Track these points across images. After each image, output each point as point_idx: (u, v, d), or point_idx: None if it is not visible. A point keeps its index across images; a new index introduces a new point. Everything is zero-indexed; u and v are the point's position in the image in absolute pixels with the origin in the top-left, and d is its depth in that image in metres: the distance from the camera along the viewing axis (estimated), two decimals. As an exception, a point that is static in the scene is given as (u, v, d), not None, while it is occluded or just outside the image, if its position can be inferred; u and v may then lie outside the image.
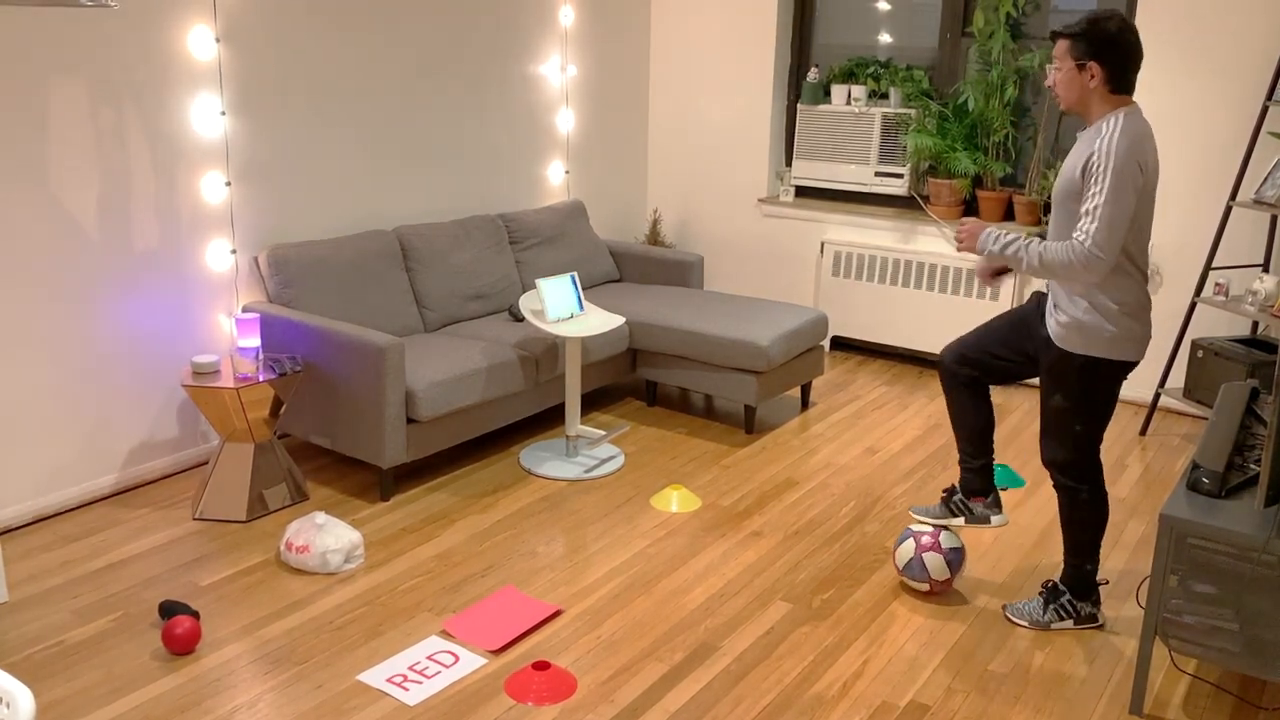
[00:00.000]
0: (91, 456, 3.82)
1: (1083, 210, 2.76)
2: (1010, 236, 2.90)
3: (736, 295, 5.17)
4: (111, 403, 3.85)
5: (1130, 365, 2.96)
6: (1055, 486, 3.10)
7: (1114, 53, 2.80)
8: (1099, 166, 2.74)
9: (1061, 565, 3.21)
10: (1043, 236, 3.03)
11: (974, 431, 3.26)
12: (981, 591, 3.38)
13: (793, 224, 5.95)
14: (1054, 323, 2.96)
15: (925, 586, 3.29)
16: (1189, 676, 2.94)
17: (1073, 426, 2.99)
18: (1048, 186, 5.17)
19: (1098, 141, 2.78)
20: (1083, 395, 2.96)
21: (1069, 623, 3.16)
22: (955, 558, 3.26)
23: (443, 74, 4.88)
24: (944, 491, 3.39)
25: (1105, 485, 3.09)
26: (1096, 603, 3.18)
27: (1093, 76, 2.82)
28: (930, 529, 3.30)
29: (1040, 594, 3.20)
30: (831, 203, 5.84)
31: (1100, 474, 3.07)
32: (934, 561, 3.25)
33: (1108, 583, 3.39)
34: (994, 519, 3.34)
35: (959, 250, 2.96)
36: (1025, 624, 3.17)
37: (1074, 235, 2.77)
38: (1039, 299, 3.13)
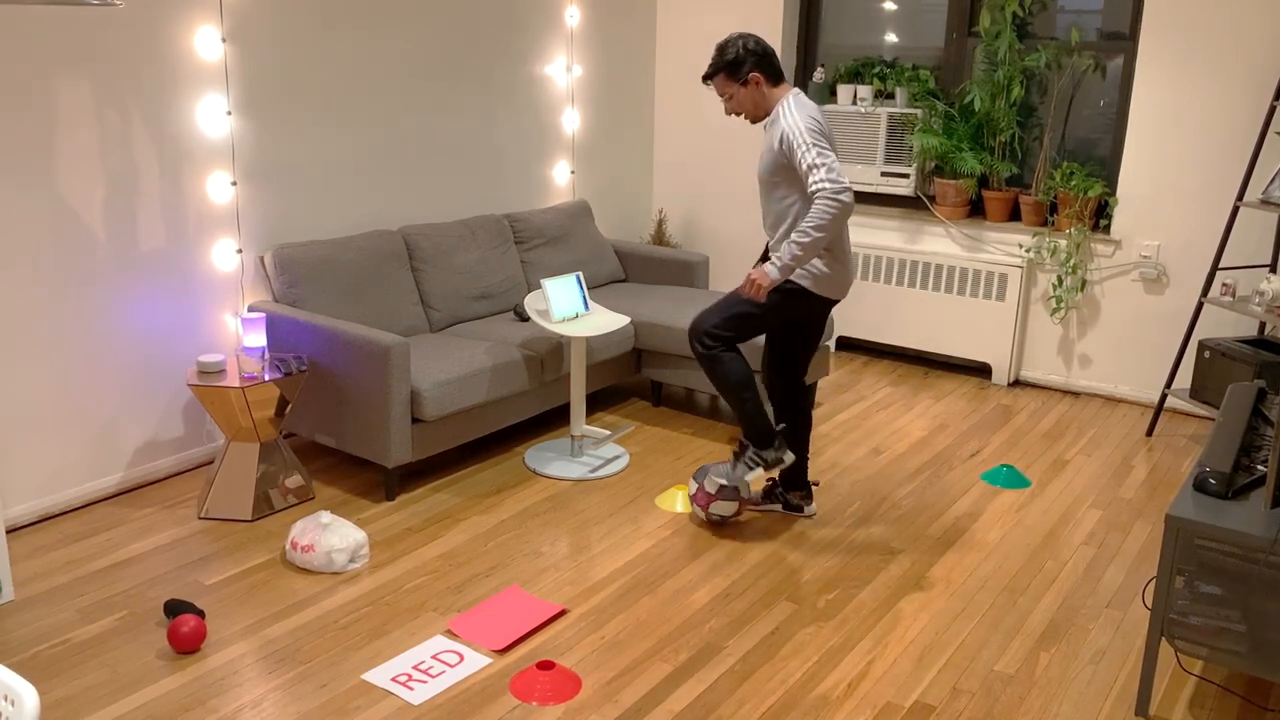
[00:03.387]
0: (97, 455, 3.83)
1: (803, 173, 3.25)
2: (781, 254, 3.29)
3: (742, 295, 5.16)
4: (117, 402, 3.85)
5: (826, 302, 3.53)
6: (700, 358, 3.53)
7: (760, 58, 3.38)
8: (793, 136, 3.27)
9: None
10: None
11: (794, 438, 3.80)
12: (987, 592, 3.37)
13: (798, 224, 5.94)
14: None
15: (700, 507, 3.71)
16: (1195, 678, 2.93)
17: (738, 311, 3.47)
18: (1054, 186, 5.16)
19: (781, 122, 3.33)
20: (774, 305, 3.46)
21: (760, 470, 3.64)
22: (726, 494, 3.66)
23: (449, 74, 4.88)
24: (768, 481, 3.93)
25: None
26: (781, 446, 3.63)
27: (757, 84, 3.40)
28: (694, 489, 3.70)
29: (733, 457, 3.68)
30: (837, 203, 5.83)
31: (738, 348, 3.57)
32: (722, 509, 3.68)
33: (784, 426, 3.79)
34: (806, 509, 3.87)
35: (759, 297, 3.35)
36: (725, 483, 3.63)
37: (810, 191, 3.23)
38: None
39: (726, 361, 3.52)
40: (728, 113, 3.50)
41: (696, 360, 3.58)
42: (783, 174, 3.39)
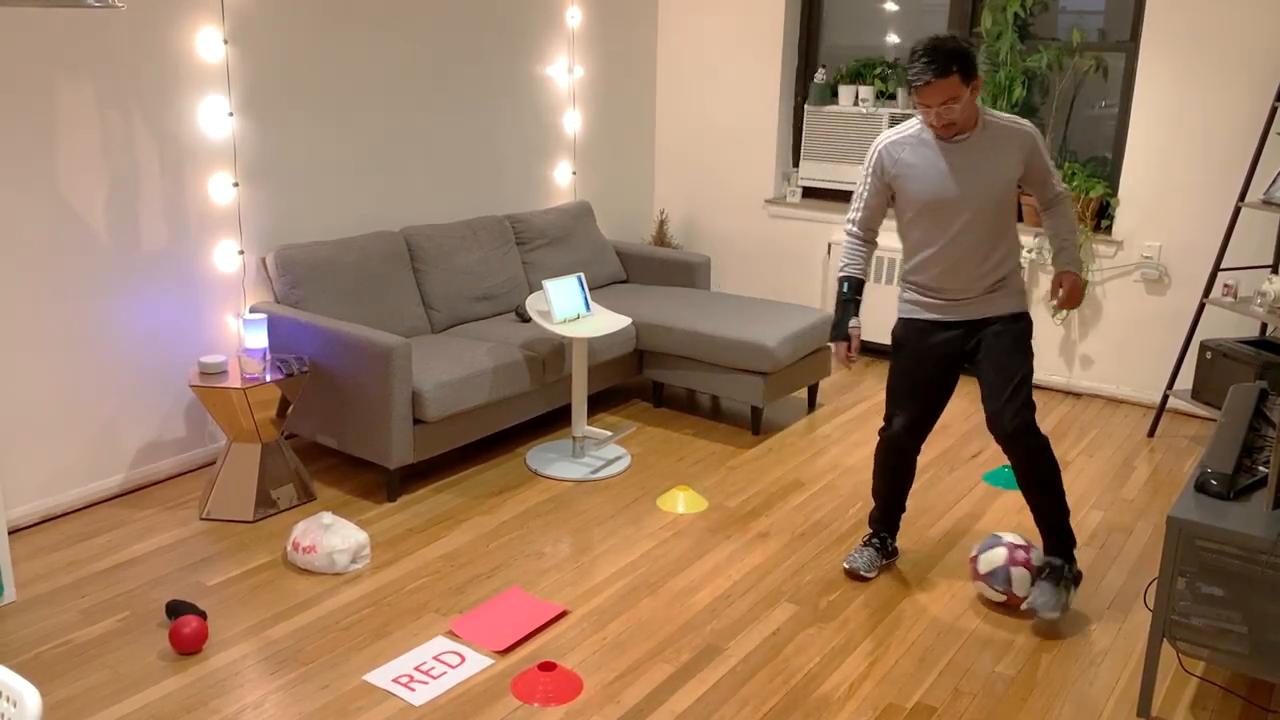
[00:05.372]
0: (99, 456, 3.83)
1: (1052, 171, 3.14)
2: (1073, 255, 3.15)
3: (743, 296, 5.17)
4: (119, 403, 3.86)
5: None
6: (1031, 451, 3.07)
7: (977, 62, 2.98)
8: (1041, 144, 3.09)
9: (1043, 540, 3.22)
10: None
11: (906, 490, 3.47)
12: (988, 593, 3.37)
13: (799, 225, 5.94)
14: (1005, 295, 3.17)
15: (1002, 598, 3.21)
16: (1197, 679, 2.93)
17: (1030, 382, 3.12)
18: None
19: (1023, 130, 3.07)
20: (1032, 347, 3.17)
21: (1074, 590, 3.18)
22: (1035, 575, 3.17)
23: (450, 74, 4.88)
24: (873, 540, 3.49)
25: None
26: (1075, 559, 3.22)
27: (977, 89, 2.98)
28: (1023, 541, 3.21)
29: (1047, 581, 3.12)
30: (838, 204, 5.83)
31: None
32: (1020, 576, 3.16)
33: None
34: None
35: (1076, 305, 3.16)
36: (1058, 615, 3.09)
37: (1058, 190, 3.17)
38: (912, 329, 3.22)
39: (1052, 451, 3.13)
40: (940, 123, 2.97)
41: (1028, 459, 3.07)
42: (1012, 188, 3.08)
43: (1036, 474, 3.10)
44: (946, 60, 2.87)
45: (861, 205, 3.23)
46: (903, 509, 3.49)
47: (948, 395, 3.27)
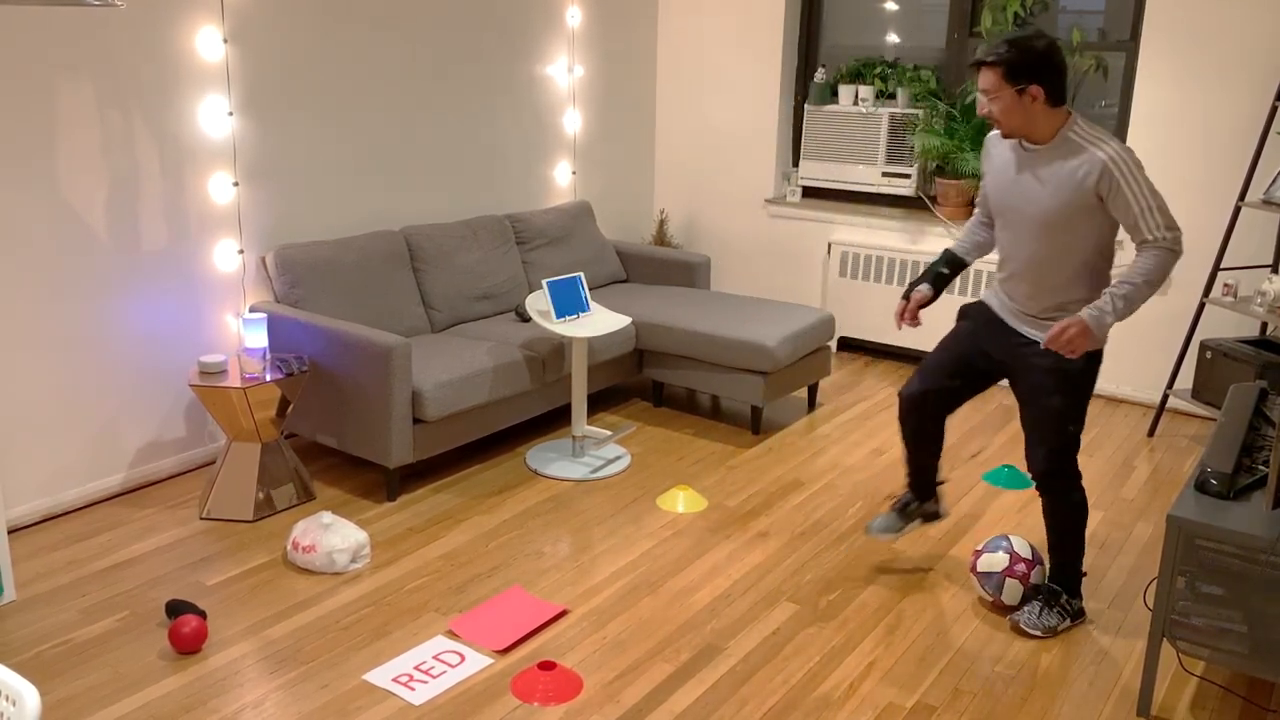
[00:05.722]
0: (99, 456, 3.83)
1: (1136, 213, 2.80)
2: (1105, 305, 2.82)
3: (743, 296, 5.16)
4: (119, 402, 3.86)
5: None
6: (1049, 493, 3.07)
7: (1051, 70, 2.81)
8: (1124, 170, 2.78)
9: (1048, 567, 3.21)
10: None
11: (934, 458, 3.40)
12: (988, 593, 3.37)
13: (800, 224, 5.94)
14: (1050, 324, 2.97)
15: (989, 599, 3.27)
16: (1196, 678, 2.93)
17: (1069, 426, 3.01)
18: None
19: (1100, 154, 2.79)
20: (1084, 391, 3.00)
21: (1068, 622, 3.16)
22: (1031, 593, 3.20)
23: (450, 74, 4.88)
24: (897, 503, 3.48)
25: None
26: (1081, 596, 3.21)
27: (1034, 98, 2.82)
28: (1029, 554, 3.20)
29: (1039, 600, 3.15)
30: (838, 203, 5.84)
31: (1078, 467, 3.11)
32: (1012, 587, 3.19)
33: (1087, 574, 3.36)
34: (942, 510, 3.53)
35: (1073, 353, 2.82)
36: (1040, 634, 3.11)
37: (1147, 237, 2.81)
38: (982, 311, 3.18)
39: (1082, 501, 3.07)
40: (981, 111, 2.90)
41: (1045, 500, 3.08)
42: (1081, 218, 2.85)
43: (1051, 514, 3.11)
44: (1001, 50, 2.81)
45: (981, 190, 3.23)
46: (932, 470, 3.41)
47: (972, 381, 3.21)
